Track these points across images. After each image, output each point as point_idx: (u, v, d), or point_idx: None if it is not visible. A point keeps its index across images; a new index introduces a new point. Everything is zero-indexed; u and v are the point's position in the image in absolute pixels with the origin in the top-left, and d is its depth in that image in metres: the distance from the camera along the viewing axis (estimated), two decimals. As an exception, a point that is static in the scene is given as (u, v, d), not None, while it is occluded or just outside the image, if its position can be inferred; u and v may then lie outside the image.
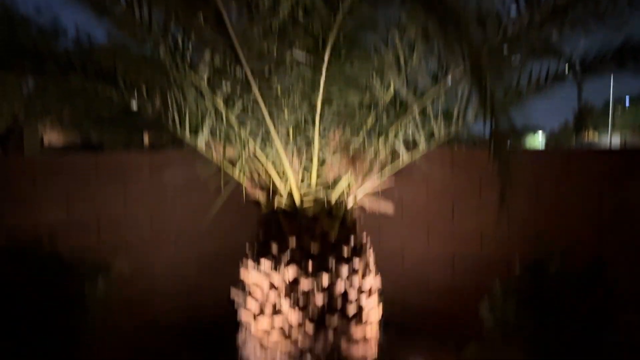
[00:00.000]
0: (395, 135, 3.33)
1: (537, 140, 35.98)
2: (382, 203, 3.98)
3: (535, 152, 4.57)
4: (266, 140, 3.28)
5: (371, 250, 3.96)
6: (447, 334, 4.65)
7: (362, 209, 3.96)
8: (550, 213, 4.37)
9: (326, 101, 3.03)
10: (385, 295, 5.01)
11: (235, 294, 3.85)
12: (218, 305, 4.24)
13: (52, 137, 20.11)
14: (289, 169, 3.35)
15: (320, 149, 3.37)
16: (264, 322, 3.62)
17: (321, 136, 3.28)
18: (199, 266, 4.88)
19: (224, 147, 3.28)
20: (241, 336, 3.86)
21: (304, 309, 3.52)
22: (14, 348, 2.70)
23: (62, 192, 3.93)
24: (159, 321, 4.55)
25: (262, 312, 3.66)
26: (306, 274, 3.52)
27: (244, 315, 3.77)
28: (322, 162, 3.51)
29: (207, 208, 3.78)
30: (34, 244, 3.11)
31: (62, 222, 3.89)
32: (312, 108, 3.05)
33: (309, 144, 3.33)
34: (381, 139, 3.22)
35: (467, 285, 4.66)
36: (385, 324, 4.95)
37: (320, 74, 2.79)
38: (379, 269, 4.97)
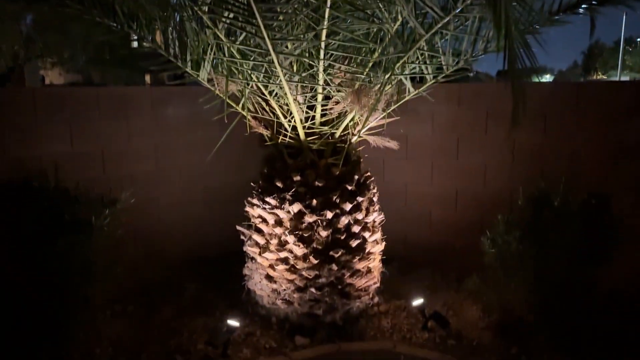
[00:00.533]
0: (402, 70, 3.24)
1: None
2: (387, 139, 3.95)
3: (543, 85, 4.45)
4: (270, 74, 3.20)
5: (375, 186, 3.97)
6: (449, 268, 4.74)
7: (366, 145, 3.94)
8: (557, 147, 4.32)
9: (331, 32, 2.93)
10: (388, 230, 5.10)
11: (241, 228, 3.90)
12: (224, 238, 4.32)
13: (54, 77, 19.89)
14: (293, 103, 3.29)
15: (325, 84, 3.30)
16: (269, 255, 3.69)
17: (326, 70, 3.20)
18: (205, 200, 4.92)
19: (227, 81, 3.20)
20: (247, 269, 3.94)
21: (308, 243, 3.58)
22: (20, 280, 2.77)
23: (65, 124, 3.89)
24: (166, 253, 4.64)
25: (267, 246, 3.72)
26: (310, 209, 3.55)
27: (250, 249, 3.84)
28: (326, 98, 3.45)
29: (212, 143, 3.75)
30: (39, 177, 3.12)
31: (67, 154, 3.88)
32: (317, 39, 2.95)
33: (313, 77, 3.25)
34: (387, 74, 3.13)
35: (470, 221, 4.71)
36: (388, 258, 5.08)
37: (326, 1, 2.68)
38: (383, 205, 5.02)
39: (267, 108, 3.63)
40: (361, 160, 3.99)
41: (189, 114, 4.61)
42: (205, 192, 4.92)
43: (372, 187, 3.87)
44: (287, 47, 2.99)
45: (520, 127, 4.39)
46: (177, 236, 4.76)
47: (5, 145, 3.53)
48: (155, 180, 4.53)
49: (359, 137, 3.82)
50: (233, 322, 3.49)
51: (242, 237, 3.93)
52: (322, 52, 3.03)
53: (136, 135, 4.32)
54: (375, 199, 3.87)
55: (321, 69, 3.14)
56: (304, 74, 3.17)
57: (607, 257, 3.34)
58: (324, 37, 2.93)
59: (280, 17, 2.76)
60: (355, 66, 3.28)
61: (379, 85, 3.20)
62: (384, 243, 4.05)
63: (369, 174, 3.93)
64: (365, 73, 3.18)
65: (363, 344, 3.52)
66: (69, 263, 2.80)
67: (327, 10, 2.67)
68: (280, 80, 3.07)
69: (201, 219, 4.90)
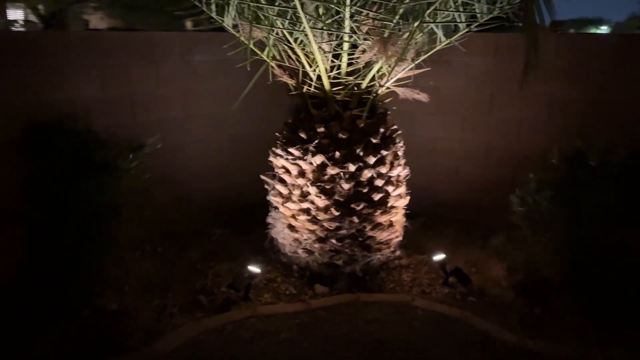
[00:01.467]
0: (434, 18, 3.11)
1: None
2: (416, 91, 3.85)
3: (584, 36, 4.21)
4: (294, 20, 3.12)
5: (401, 140, 3.90)
6: (475, 225, 4.68)
7: (395, 97, 3.85)
8: (598, 103, 4.12)
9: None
10: (415, 185, 5.05)
11: (265, 178, 3.93)
12: (250, 187, 4.36)
13: (97, 22, 19.99)
14: (317, 52, 3.22)
15: (352, 31, 3.20)
16: (292, 205, 3.72)
17: (352, 17, 3.09)
18: (232, 149, 4.95)
19: (251, 28, 3.14)
20: (270, 217, 4.00)
21: (330, 195, 3.58)
22: (52, 218, 2.88)
23: (96, 68, 3.92)
24: (193, 199, 4.73)
25: (290, 196, 3.74)
26: (333, 161, 3.53)
27: (273, 199, 3.87)
28: (353, 46, 3.35)
29: (240, 91, 3.73)
30: (71, 120, 3.19)
31: (98, 99, 3.94)
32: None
33: (340, 24, 3.16)
34: (417, 21, 3.00)
35: (501, 178, 4.59)
36: (414, 213, 5.05)
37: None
38: (410, 159, 4.96)
39: (292, 56, 3.56)
40: (388, 112, 3.91)
41: (217, 60, 4.58)
42: (232, 141, 4.94)
43: (397, 140, 3.81)
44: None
45: (557, 80, 4.22)
46: (204, 183, 4.83)
47: (38, 88, 3.59)
48: (182, 127, 4.57)
49: (387, 88, 3.73)
50: (255, 268, 3.57)
51: (266, 186, 3.97)
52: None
53: (164, 81, 4.34)
54: (400, 153, 3.81)
55: (347, 15, 3.04)
56: (328, 21, 3.07)
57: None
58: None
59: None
60: (383, 13, 3.15)
61: (407, 34, 3.08)
62: (408, 197, 4.01)
63: (395, 127, 3.87)
64: (394, 21, 3.05)
65: (381, 295, 3.56)
66: (97, 203, 2.90)
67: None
68: (304, 27, 2.99)
69: (228, 167, 4.94)
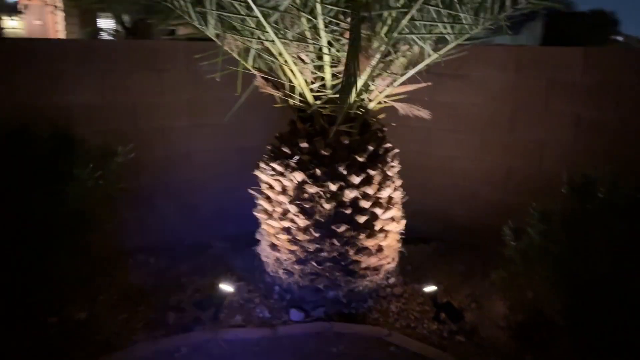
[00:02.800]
0: (413, 28, 2.84)
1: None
2: (416, 107, 3.57)
3: (616, 51, 3.74)
4: (266, 31, 2.97)
5: (395, 159, 3.63)
6: (492, 254, 4.28)
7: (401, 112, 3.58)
8: (629, 125, 3.64)
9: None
10: (429, 207, 4.71)
11: (252, 192, 3.79)
12: (251, 200, 4.23)
13: (184, 29, 20.81)
14: (292, 63, 3.04)
15: (331, 44, 3.00)
16: (274, 223, 3.55)
17: (327, 28, 2.89)
18: (237, 160, 4.85)
19: (224, 37, 3.02)
20: (258, 234, 3.85)
21: (310, 215, 3.37)
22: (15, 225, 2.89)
23: (97, 76, 3.97)
24: (198, 209, 4.69)
25: (272, 214, 3.58)
26: (313, 179, 3.33)
27: (258, 215, 3.72)
28: (335, 59, 3.14)
29: (247, 102, 3.61)
30: (50, 126, 3.20)
31: (97, 105, 3.98)
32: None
33: (317, 35, 2.96)
34: (395, 32, 2.75)
35: (521, 203, 4.17)
36: (427, 237, 4.71)
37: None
38: (425, 178, 4.64)
39: (278, 67, 3.41)
40: (384, 129, 3.65)
41: (223, 70, 4.51)
42: (241, 152, 4.85)
43: (389, 160, 3.54)
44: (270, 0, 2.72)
45: (586, 100, 3.80)
46: (211, 194, 4.77)
47: (36, 93, 3.67)
48: (187, 136, 4.53)
49: (380, 103, 3.48)
50: (227, 287, 3.43)
51: (256, 201, 3.82)
52: (319, 7, 2.73)
53: (169, 89, 4.32)
54: (391, 173, 3.53)
55: (321, 25, 2.84)
56: (297, 32, 2.89)
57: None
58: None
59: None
60: (363, 25, 2.92)
61: (383, 46, 2.83)
62: (403, 222, 3.73)
63: (388, 145, 3.60)
64: (366, 31, 2.82)
65: (357, 326, 3.29)
66: (56, 212, 2.87)
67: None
68: (273, 38, 2.82)
69: (236, 178, 4.83)
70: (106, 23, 21.43)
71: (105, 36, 19.49)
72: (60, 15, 19.76)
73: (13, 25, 19.91)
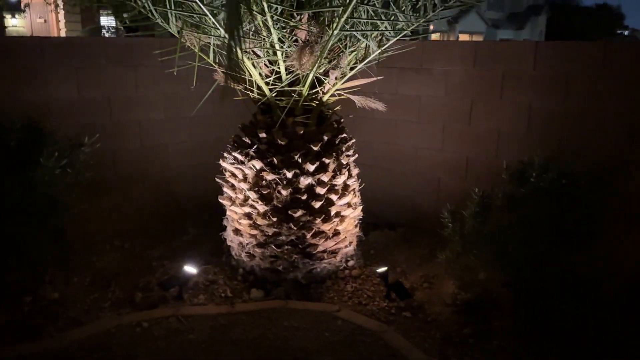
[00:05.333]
0: (352, 26, 3.04)
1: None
2: (371, 100, 3.77)
3: (566, 44, 3.91)
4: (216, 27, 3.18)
5: (351, 148, 3.84)
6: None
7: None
8: (578, 115, 3.83)
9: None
10: (396, 195, 4.93)
11: (219, 180, 4.01)
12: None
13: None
14: (246, 58, 3.26)
15: (281, 41, 3.21)
16: (236, 209, 3.78)
17: (276, 25, 3.10)
18: (212, 151, 5.06)
19: (181, 33, 3.24)
20: (225, 220, 4.08)
21: (268, 200, 3.60)
22: None
23: (72, 71, 4.19)
24: (175, 198, 4.92)
25: (235, 200, 3.80)
26: (271, 167, 3.55)
27: (222, 201, 3.95)
28: (285, 54, 3.35)
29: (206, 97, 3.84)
30: (22, 120, 3.43)
31: (73, 100, 4.21)
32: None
33: (259, 33, 3.17)
34: (333, 30, 2.96)
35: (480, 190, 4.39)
36: (394, 223, 4.93)
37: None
38: (392, 168, 4.85)
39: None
40: (342, 120, 3.87)
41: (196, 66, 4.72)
42: (216, 143, 5.05)
43: (344, 149, 3.75)
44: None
45: (538, 91, 4.00)
46: (187, 183, 5.00)
47: (12, 88, 3.90)
48: (164, 128, 4.76)
49: (335, 96, 3.69)
50: (191, 269, 3.66)
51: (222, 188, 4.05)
52: (265, 4, 2.94)
53: (144, 84, 4.54)
54: (345, 161, 3.74)
55: (270, 23, 3.06)
56: (247, 28, 3.10)
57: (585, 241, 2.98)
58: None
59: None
60: (309, 23, 3.14)
61: (328, 42, 3.04)
62: (360, 207, 3.94)
63: (344, 135, 3.81)
64: (313, 28, 3.03)
65: (310, 304, 3.51)
66: (23, 197, 3.11)
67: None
68: (223, 34, 3.04)
69: (211, 168, 5.06)
70: (107, 21, 21.76)
71: (106, 33, 19.77)
72: (62, 14, 20.05)
73: (15, 24, 20.19)
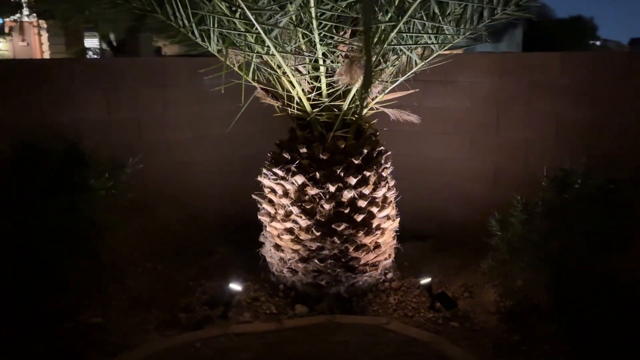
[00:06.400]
0: (400, 39, 3.09)
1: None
2: (406, 112, 3.82)
3: (591, 54, 4.02)
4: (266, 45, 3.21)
5: (389, 161, 3.87)
6: (485, 248, 4.52)
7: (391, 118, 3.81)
8: (605, 123, 3.92)
9: (319, 1, 2.86)
10: (424, 207, 4.96)
11: (255, 197, 4.00)
12: (252, 205, 4.45)
13: (171, 49, 21.04)
14: (291, 74, 3.28)
15: (325, 56, 3.24)
16: (277, 225, 3.77)
17: (322, 41, 3.14)
18: (243, 168, 5.07)
19: (226, 52, 3.26)
20: (262, 236, 4.06)
21: (311, 215, 3.60)
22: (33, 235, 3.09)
23: (102, 93, 4.18)
24: (202, 217, 4.88)
25: (276, 216, 3.79)
26: (313, 182, 3.56)
27: (262, 218, 3.94)
28: (329, 70, 3.39)
29: (249, 113, 3.83)
30: (60, 141, 3.41)
31: (104, 121, 4.19)
32: (306, 8, 2.90)
33: (311, 49, 3.21)
34: (383, 44, 3.00)
35: (509, 198, 4.43)
36: (423, 235, 4.95)
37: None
38: (419, 180, 4.88)
39: (276, 79, 3.65)
40: (377, 133, 3.90)
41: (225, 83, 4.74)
42: (242, 161, 5.08)
43: (383, 161, 3.78)
44: (273, 17, 2.95)
45: (565, 100, 4.08)
46: (214, 201, 4.98)
47: (44, 111, 3.87)
48: (191, 147, 4.75)
49: (372, 109, 3.73)
50: (235, 286, 3.63)
51: (258, 205, 4.04)
52: (314, 22, 2.98)
53: (172, 104, 4.54)
54: (385, 173, 3.77)
55: (317, 39, 3.09)
56: (295, 45, 3.13)
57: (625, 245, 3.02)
58: (312, 6, 2.86)
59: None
60: (350, 37, 3.18)
61: (375, 57, 3.08)
62: (398, 219, 3.96)
63: (382, 148, 3.84)
64: (357, 43, 3.07)
65: (358, 317, 3.51)
66: (71, 220, 3.07)
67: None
68: (273, 51, 3.07)
69: (238, 185, 5.06)
70: (92, 42, 21.72)
71: (91, 55, 19.70)
72: (45, 36, 19.99)
73: (-1, 47, 20.09)
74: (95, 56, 20.07)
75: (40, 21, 18.28)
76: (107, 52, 19.43)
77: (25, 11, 17.70)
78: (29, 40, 21.05)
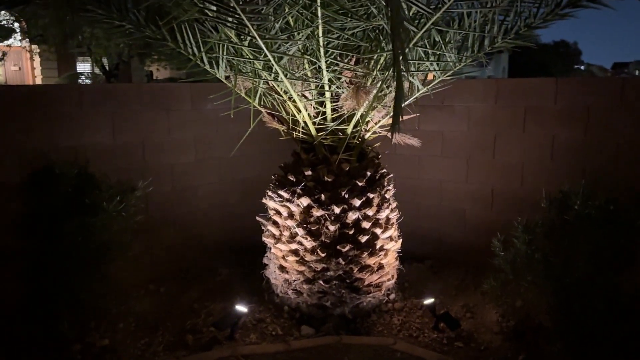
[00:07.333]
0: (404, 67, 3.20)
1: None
2: (407, 136, 3.92)
3: (586, 80, 4.17)
4: (271, 71, 3.32)
5: (391, 183, 3.96)
6: (483, 268, 4.60)
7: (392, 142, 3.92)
8: (599, 145, 4.06)
9: (326, 31, 2.98)
10: (422, 228, 5.04)
11: (260, 219, 4.06)
12: (260, 227, 4.51)
13: (162, 72, 21.23)
14: (298, 100, 3.38)
15: (330, 81, 3.35)
16: (282, 246, 3.83)
17: (329, 68, 3.25)
18: (243, 191, 5.15)
19: (235, 78, 3.35)
20: (266, 258, 4.11)
21: (316, 236, 3.66)
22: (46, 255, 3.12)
23: (108, 117, 4.25)
24: (204, 239, 4.93)
25: (280, 237, 3.85)
26: (319, 204, 3.63)
27: (266, 240, 3.99)
28: (334, 95, 3.49)
29: (249, 137, 3.91)
30: (70, 165, 3.46)
31: (109, 145, 4.25)
32: (309, 39, 3.02)
33: (317, 76, 3.32)
34: (388, 71, 3.12)
35: (506, 219, 4.53)
36: (421, 256, 5.02)
37: (311, 4, 2.74)
38: (418, 201, 4.97)
39: (281, 104, 3.75)
40: (379, 156, 3.99)
41: (227, 108, 4.84)
42: (243, 183, 5.15)
43: (386, 183, 3.87)
44: (282, 46, 3.07)
45: (559, 123, 4.22)
46: (216, 224, 5.03)
47: (52, 135, 3.93)
48: (194, 170, 4.82)
49: (375, 133, 3.83)
50: (242, 308, 3.67)
51: (263, 227, 4.10)
52: (322, 50, 3.09)
53: (176, 128, 4.62)
54: (388, 195, 3.86)
55: (324, 66, 3.20)
56: (302, 72, 3.24)
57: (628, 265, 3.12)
58: (320, 37, 2.98)
59: (271, 18, 2.85)
60: (359, 64, 3.30)
61: (380, 83, 3.19)
62: (400, 240, 4.03)
63: (384, 170, 3.93)
64: (362, 70, 3.19)
65: (364, 338, 3.55)
66: (83, 242, 3.11)
67: (309, 11, 2.73)
68: (281, 78, 3.17)
69: (239, 207, 5.14)
70: (84, 67, 21.84)
71: (84, 80, 19.79)
72: (37, 61, 20.07)
73: (-11, 72, 20.12)
74: (87, 81, 20.17)
75: (33, 46, 18.41)
76: (99, 76, 19.61)
77: (18, 36, 17.84)
78: (21, 64, 21.13)
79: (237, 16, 2.69)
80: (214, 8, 2.76)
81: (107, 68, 18.60)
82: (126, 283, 4.16)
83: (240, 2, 2.58)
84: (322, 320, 3.77)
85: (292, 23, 3.01)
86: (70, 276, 3.21)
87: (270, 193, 3.89)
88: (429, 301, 3.79)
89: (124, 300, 4.08)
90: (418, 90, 3.51)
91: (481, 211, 4.78)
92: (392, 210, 3.91)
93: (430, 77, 3.65)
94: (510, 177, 4.57)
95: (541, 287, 3.31)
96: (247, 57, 3.36)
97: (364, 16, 2.93)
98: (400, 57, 1.75)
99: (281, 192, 3.76)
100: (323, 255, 3.64)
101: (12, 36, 17.51)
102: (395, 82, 1.79)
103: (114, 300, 3.85)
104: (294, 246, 3.75)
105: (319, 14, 2.82)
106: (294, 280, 3.80)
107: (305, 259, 3.71)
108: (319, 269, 3.69)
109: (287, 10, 2.78)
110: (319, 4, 2.75)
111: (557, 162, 4.32)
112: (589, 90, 4.12)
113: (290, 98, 3.55)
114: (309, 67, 3.24)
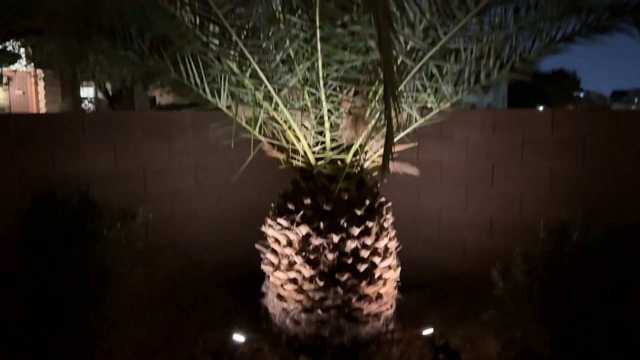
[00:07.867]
0: (401, 97, 3.27)
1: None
2: (406, 165, 3.96)
3: (582, 112, 4.23)
4: (271, 102, 3.37)
5: (389, 211, 3.98)
6: (483, 298, 4.58)
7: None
8: (596, 176, 4.10)
9: (325, 64, 3.04)
10: (422, 257, 5.04)
11: (259, 247, 4.07)
12: (259, 254, 4.51)
13: (165, 98, 21.42)
14: (298, 129, 3.43)
15: (330, 112, 3.41)
16: (280, 275, 3.83)
17: (328, 99, 3.30)
18: (243, 217, 5.16)
19: (236, 108, 3.41)
20: (264, 286, 4.10)
21: (315, 265, 3.67)
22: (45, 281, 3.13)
23: (111, 145, 4.30)
24: (203, 266, 4.93)
25: (279, 266, 3.86)
26: (317, 232, 3.65)
27: (265, 268, 4.00)
28: (333, 125, 3.54)
29: (249, 164, 3.96)
30: (72, 191, 3.50)
31: (110, 171, 4.29)
32: (314, 70, 3.08)
33: (317, 106, 3.37)
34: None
35: (504, 249, 4.53)
36: (421, 285, 5.01)
37: (315, 35, 2.80)
38: (416, 230, 4.99)
39: (281, 133, 3.80)
40: (378, 185, 4.02)
41: (228, 136, 4.89)
42: (243, 210, 5.17)
43: (385, 212, 3.89)
44: (282, 77, 3.13)
45: (557, 154, 4.26)
46: (215, 250, 5.04)
47: (54, 161, 3.98)
48: (194, 197, 4.85)
49: (374, 162, 3.87)
50: (239, 337, 3.65)
51: (262, 255, 4.10)
52: (321, 82, 3.15)
53: (177, 154, 4.67)
54: (387, 224, 3.87)
55: (323, 97, 3.26)
56: (302, 102, 3.30)
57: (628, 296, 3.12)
58: (320, 69, 3.04)
59: (272, 51, 2.92)
60: (358, 95, 3.36)
61: (378, 113, 3.25)
62: (399, 269, 4.04)
63: (383, 199, 3.96)
64: (367, 101, 3.24)
65: (362, 369, 3.52)
66: (82, 269, 3.13)
67: (318, 43, 2.79)
68: (281, 108, 3.22)
69: (238, 234, 5.14)
70: (87, 92, 22.05)
71: (87, 105, 19.97)
72: (41, 85, 20.30)
73: (-4, 97, 20.32)
74: (90, 105, 20.37)
75: (38, 70, 18.62)
76: (102, 101, 19.81)
77: (24, 61, 18.08)
78: (25, 89, 21.36)
79: (239, 50, 2.76)
80: (217, 42, 2.83)
81: (110, 93, 18.82)
82: (124, 309, 4.18)
83: (242, 37, 2.64)
84: (320, 350, 3.74)
85: (292, 55, 3.07)
86: (68, 303, 3.21)
87: (269, 221, 3.91)
88: (428, 332, 3.78)
89: (122, 326, 4.09)
90: (416, 121, 3.56)
91: (480, 240, 4.78)
92: (390, 239, 3.92)
93: (428, 106, 3.71)
94: (509, 207, 4.59)
95: (541, 318, 3.31)
96: (249, 87, 3.42)
97: (362, 50, 2.99)
98: (391, 99, 1.79)
99: (280, 220, 3.78)
100: (321, 284, 3.64)
101: (18, 61, 17.75)
102: (385, 122, 1.83)
103: (111, 326, 3.86)
104: (292, 274, 3.75)
105: (319, 48, 2.89)
106: (292, 309, 3.79)
107: (304, 287, 3.70)
108: (317, 298, 3.68)
109: (287, 44, 2.84)
110: (319, 39, 2.82)
111: (555, 192, 4.35)
112: (585, 121, 4.17)
113: (290, 127, 3.60)
114: (309, 98, 3.30)
